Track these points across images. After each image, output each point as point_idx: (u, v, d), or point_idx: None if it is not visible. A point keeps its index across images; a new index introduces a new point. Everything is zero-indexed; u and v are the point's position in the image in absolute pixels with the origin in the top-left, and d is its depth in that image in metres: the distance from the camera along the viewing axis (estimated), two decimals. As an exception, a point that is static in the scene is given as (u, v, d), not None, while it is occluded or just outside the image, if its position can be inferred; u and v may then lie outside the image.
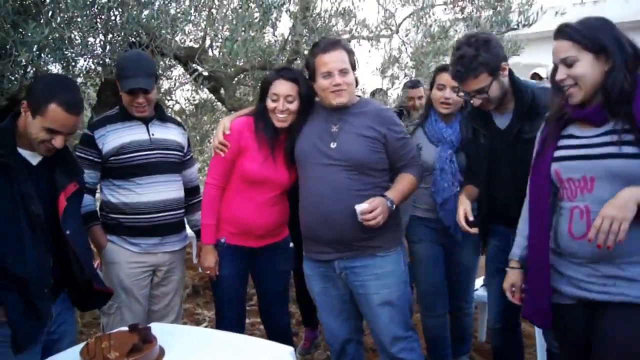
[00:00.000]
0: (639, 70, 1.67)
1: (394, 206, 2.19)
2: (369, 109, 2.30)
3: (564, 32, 1.71)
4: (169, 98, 4.21)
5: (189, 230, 2.77)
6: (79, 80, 3.36)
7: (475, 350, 3.29)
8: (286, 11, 3.60)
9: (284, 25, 3.61)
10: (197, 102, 4.59)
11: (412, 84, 3.90)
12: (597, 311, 1.72)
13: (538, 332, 2.84)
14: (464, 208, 2.27)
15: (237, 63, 3.39)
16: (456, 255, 2.74)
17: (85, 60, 3.12)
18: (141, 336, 1.71)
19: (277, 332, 2.64)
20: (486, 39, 2.16)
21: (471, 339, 3.00)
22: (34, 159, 1.90)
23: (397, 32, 4.02)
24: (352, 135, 2.24)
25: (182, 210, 2.61)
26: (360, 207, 2.11)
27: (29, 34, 2.37)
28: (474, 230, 2.26)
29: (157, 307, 2.62)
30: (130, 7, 2.85)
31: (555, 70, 1.75)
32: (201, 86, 3.74)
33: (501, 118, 2.28)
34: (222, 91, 3.92)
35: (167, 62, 3.52)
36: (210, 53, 3.50)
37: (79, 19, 2.72)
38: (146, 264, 2.50)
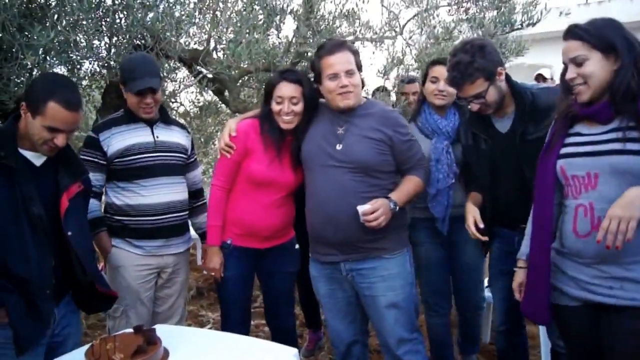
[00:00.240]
0: None
1: (397, 207, 2.19)
2: (375, 111, 2.30)
3: (573, 32, 1.73)
4: (173, 100, 4.23)
5: (192, 232, 2.78)
6: (84, 82, 3.38)
7: (480, 352, 3.28)
8: (290, 13, 3.61)
9: (288, 27, 3.61)
10: (201, 104, 4.61)
11: (408, 80, 3.84)
12: (605, 314, 1.72)
13: (542, 333, 2.84)
14: (473, 215, 2.26)
15: (242, 65, 3.40)
16: (459, 255, 2.73)
17: (90, 63, 3.14)
18: (146, 338, 1.72)
19: (282, 334, 2.64)
20: (481, 44, 2.18)
21: (479, 340, 2.98)
22: (38, 160, 1.90)
23: (401, 33, 4.02)
24: (358, 137, 2.24)
25: (186, 212, 2.62)
26: (362, 208, 2.11)
27: (35, 37, 2.39)
28: (485, 237, 2.25)
29: (161, 309, 2.63)
30: (135, 9, 2.87)
31: (565, 70, 1.76)
32: (205, 88, 3.75)
33: (501, 122, 2.29)
34: (226, 93, 3.92)
35: (171, 64, 3.53)
36: (214, 55, 3.51)
37: (84, 22, 2.74)
38: (151, 266, 2.51)
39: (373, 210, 2.11)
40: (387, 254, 2.26)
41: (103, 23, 2.94)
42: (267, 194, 2.44)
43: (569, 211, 1.76)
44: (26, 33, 2.52)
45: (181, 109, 4.61)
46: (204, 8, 3.48)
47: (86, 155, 2.40)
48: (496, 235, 2.37)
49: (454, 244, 2.68)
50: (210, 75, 3.48)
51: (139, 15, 2.87)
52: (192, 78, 3.65)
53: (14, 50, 2.48)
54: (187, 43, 3.67)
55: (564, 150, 1.78)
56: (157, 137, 2.50)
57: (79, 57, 2.90)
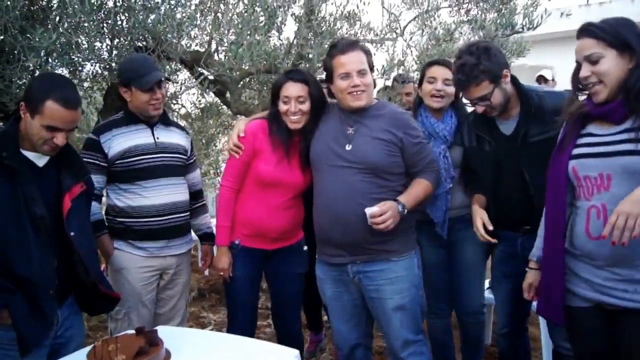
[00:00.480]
0: None
1: (406, 211, 2.17)
2: (386, 112, 2.28)
3: (587, 30, 1.70)
4: (174, 102, 4.23)
5: (193, 234, 2.78)
6: (86, 84, 3.39)
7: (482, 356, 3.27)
8: (291, 15, 3.62)
9: (289, 28, 3.62)
10: (202, 105, 4.61)
11: (402, 80, 3.80)
12: (620, 316, 1.70)
13: (544, 335, 2.83)
14: (481, 217, 2.25)
15: (243, 67, 3.41)
16: (458, 256, 2.71)
17: (92, 65, 3.15)
18: (148, 339, 1.72)
19: (288, 336, 2.64)
20: (487, 46, 2.17)
21: (482, 346, 2.95)
22: (40, 161, 1.91)
23: (402, 35, 4.03)
24: (368, 137, 2.22)
25: (188, 213, 2.63)
26: (369, 211, 2.10)
27: (37, 39, 2.39)
28: (494, 240, 2.23)
29: (162, 311, 2.63)
30: (136, 11, 2.88)
31: (577, 68, 1.74)
32: (207, 90, 3.76)
33: (506, 124, 2.28)
34: (227, 95, 3.93)
35: (173, 66, 3.53)
36: (216, 57, 3.52)
37: (85, 24, 2.74)
38: (154, 268, 2.51)
39: (381, 213, 2.09)
40: (395, 257, 2.24)
41: (105, 25, 2.95)
42: (275, 195, 2.44)
43: (581, 212, 1.75)
44: (28, 35, 2.53)
45: (182, 111, 4.62)
46: (205, 10, 3.49)
47: (87, 157, 2.40)
48: (499, 237, 2.36)
49: (452, 244, 2.66)
50: (211, 77, 3.49)
51: (141, 17, 2.88)
52: (194, 80, 3.65)
53: (15, 52, 2.49)
54: (188, 45, 3.67)
55: (576, 151, 1.77)
56: (158, 138, 2.51)
57: (80, 59, 2.91)
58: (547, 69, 6.09)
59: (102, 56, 3.02)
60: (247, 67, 3.47)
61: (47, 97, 1.79)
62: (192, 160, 2.73)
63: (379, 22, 3.98)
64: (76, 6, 2.59)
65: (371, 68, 2.28)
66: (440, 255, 2.69)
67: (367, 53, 2.29)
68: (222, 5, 3.42)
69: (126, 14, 2.95)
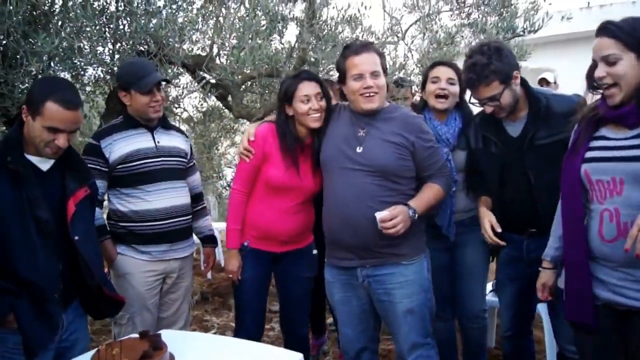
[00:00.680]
0: None
1: (417, 216, 2.14)
2: (398, 115, 2.26)
3: (607, 29, 1.66)
4: (176, 106, 4.24)
5: (195, 237, 2.78)
6: (88, 88, 3.41)
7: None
8: (293, 19, 3.63)
9: (291, 32, 3.64)
10: (204, 109, 4.63)
11: (399, 83, 3.72)
12: (631, 317, 1.69)
13: (548, 337, 2.82)
14: (489, 220, 2.22)
15: (245, 71, 3.42)
16: (462, 259, 2.70)
17: (94, 69, 3.17)
18: (152, 343, 1.72)
19: (295, 340, 2.63)
20: (498, 47, 2.15)
21: (485, 351, 2.93)
22: (44, 165, 1.91)
23: (403, 38, 4.03)
24: (379, 140, 2.20)
25: (190, 216, 2.63)
26: (380, 215, 2.07)
27: (39, 44, 2.41)
28: (503, 242, 2.22)
29: (165, 314, 2.63)
30: (138, 16, 2.89)
31: (593, 67, 1.71)
32: (209, 94, 3.77)
33: (513, 126, 2.27)
34: (229, 98, 3.94)
35: (175, 70, 3.55)
36: (217, 61, 3.53)
37: (88, 29, 2.76)
38: (157, 272, 2.51)
39: (391, 217, 2.07)
40: (405, 260, 2.22)
41: (107, 29, 2.97)
42: (284, 200, 2.43)
43: (594, 215, 1.74)
44: (31, 40, 2.54)
45: (185, 115, 4.64)
46: (207, 14, 3.50)
47: (88, 162, 2.36)
48: (505, 240, 2.34)
49: (454, 248, 2.66)
50: (213, 81, 3.49)
51: (143, 21, 2.89)
52: (196, 84, 3.66)
53: (18, 57, 2.50)
54: (190, 49, 3.69)
55: (588, 154, 1.75)
56: (158, 142, 2.51)
57: (82, 64, 2.92)
58: (549, 71, 6.09)
59: (105, 60, 3.03)
60: (248, 71, 3.48)
61: (47, 98, 1.80)
62: (192, 164, 2.73)
63: (380, 25, 3.99)
64: (78, 11, 2.60)
65: (384, 70, 2.26)
66: (445, 258, 2.68)
67: (381, 55, 2.27)
68: (223, 10, 3.43)
69: (128, 19, 2.96)
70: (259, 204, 2.46)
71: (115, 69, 3.04)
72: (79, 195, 1.95)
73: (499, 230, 2.19)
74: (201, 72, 3.32)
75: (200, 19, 3.42)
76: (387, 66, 2.45)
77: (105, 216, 2.57)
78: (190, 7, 3.28)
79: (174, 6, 3.08)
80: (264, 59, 3.16)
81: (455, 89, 2.54)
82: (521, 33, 3.87)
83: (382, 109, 2.26)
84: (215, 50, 3.51)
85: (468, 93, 2.40)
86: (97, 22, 2.80)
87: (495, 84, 2.12)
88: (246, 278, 2.49)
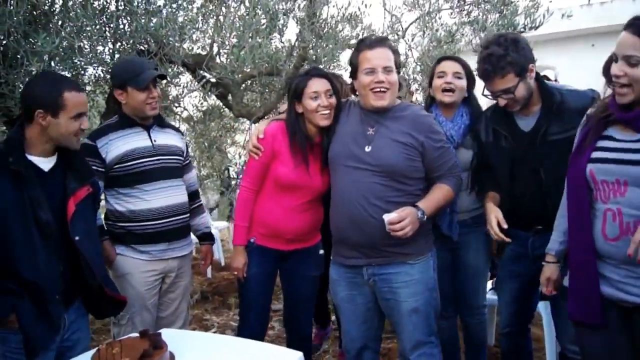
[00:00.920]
0: None
1: (425, 217, 2.12)
2: (408, 114, 2.23)
3: (637, 25, 1.60)
4: (177, 105, 4.25)
5: (193, 237, 2.78)
6: (88, 88, 3.41)
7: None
8: (293, 17, 3.63)
9: (291, 31, 3.63)
10: (205, 108, 4.63)
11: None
12: (635, 314, 1.70)
13: (547, 335, 2.83)
14: (496, 216, 2.19)
15: (245, 69, 3.42)
16: (463, 260, 2.70)
17: (94, 69, 3.17)
18: (152, 342, 1.72)
19: (298, 339, 2.64)
20: (515, 38, 2.12)
21: (485, 347, 2.94)
22: (46, 166, 1.92)
23: (404, 36, 4.04)
24: (388, 140, 2.17)
25: (188, 215, 2.63)
26: (388, 217, 2.04)
27: (40, 44, 2.41)
28: (508, 239, 2.19)
29: (164, 314, 2.63)
30: (138, 15, 2.89)
31: (611, 60, 1.68)
32: (209, 93, 3.78)
33: (525, 120, 2.24)
34: (229, 97, 3.95)
35: (175, 69, 3.55)
36: (217, 60, 3.53)
37: (88, 28, 2.76)
38: (157, 272, 2.51)
39: (399, 220, 2.04)
40: (411, 260, 2.21)
41: (107, 29, 2.96)
42: (292, 198, 2.43)
43: (598, 214, 1.74)
44: (31, 40, 2.54)
45: (185, 114, 4.64)
46: (207, 13, 3.50)
47: None
48: (511, 237, 2.30)
49: (458, 247, 2.65)
50: (213, 80, 3.50)
51: (143, 20, 2.89)
52: (196, 83, 3.66)
53: (19, 56, 2.50)
54: (190, 48, 3.69)
55: (594, 155, 1.75)
56: (155, 140, 2.50)
57: (83, 63, 2.92)
58: (549, 69, 6.10)
59: (105, 60, 3.03)
60: (249, 70, 3.48)
61: (61, 91, 1.84)
62: (187, 161, 2.73)
63: (380, 24, 4.02)
64: (79, 10, 2.60)
65: (398, 68, 2.23)
66: (447, 256, 2.67)
67: (395, 52, 2.24)
68: (223, 9, 3.43)
69: (128, 18, 2.96)
70: (268, 201, 2.46)
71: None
72: (79, 195, 1.95)
73: (505, 226, 2.16)
74: (201, 71, 3.32)
75: (200, 18, 3.42)
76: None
77: (102, 216, 2.57)
78: (190, 6, 3.28)
79: (174, 5, 3.08)
80: (264, 57, 3.16)
81: (462, 83, 2.51)
82: (522, 30, 3.86)
83: (393, 106, 2.23)
84: (215, 49, 3.51)
85: (478, 87, 2.37)
86: (97, 22, 2.80)
87: (510, 76, 2.09)
88: (251, 275, 2.49)
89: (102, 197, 2.52)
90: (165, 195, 2.48)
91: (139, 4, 2.94)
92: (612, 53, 1.67)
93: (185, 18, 3.17)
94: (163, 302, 2.61)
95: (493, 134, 2.33)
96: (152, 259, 2.48)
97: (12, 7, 2.36)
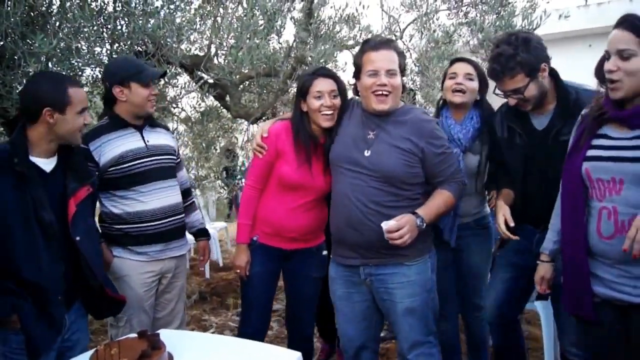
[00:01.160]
0: None
1: (425, 225, 2.11)
2: (410, 118, 2.19)
3: (628, 22, 1.62)
4: (174, 106, 4.24)
5: (188, 235, 2.76)
6: (86, 89, 3.40)
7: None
8: (290, 18, 3.63)
9: (289, 32, 3.63)
10: (202, 109, 4.62)
11: None
12: (630, 313, 1.70)
13: (546, 335, 2.83)
14: (504, 214, 2.18)
15: (243, 70, 3.43)
16: (465, 262, 2.71)
17: (92, 70, 3.17)
18: (150, 342, 1.72)
19: (300, 339, 2.63)
20: (527, 37, 2.09)
21: (487, 347, 2.94)
22: (48, 166, 1.93)
23: (401, 37, 4.04)
24: (387, 145, 2.15)
25: (183, 215, 2.62)
26: (386, 225, 2.03)
27: (37, 45, 2.40)
28: (516, 237, 2.17)
29: (161, 315, 2.62)
30: (136, 16, 2.89)
31: (604, 58, 1.69)
32: (207, 94, 3.78)
33: (539, 118, 2.22)
34: (227, 98, 3.95)
35: (173, 70, 3.55)
36: (215, 61, 3.53)
37: (85, 29, 2.76)
38: (154, 272, 2.50)
39: (398, 228, 2.02)
40: (408, 261, 2.20)
41: (104, 30, 2.97)
42: (296, 197, 2.43)
43: (593, 212, 1.74)
44: (28, 41, 2.54)
45: (183, 115, 4.63)
46: (205, 14, 3.51)
47: None
48: (518, 231, 2.25)
49: (458, 251, 2.65)
50: (211, 81, 3.50)
51: (140, 22, 2.89)
52: (194, 84, 3.67)
53: (16, 57, 2.50)
54: (188, 49, 3.69)
55: (590, 153, 1.76)
56: (148, 141, 2.48)
57: (80, 64, 2.92)
58: (546, 70, 6.08)
59: (102, 61, 3.03)
60: (246, 71, 3.48)
61: (65, 88, 1.88)
62: (179, 160, 2.73)
63: (378, 25, 3.99)
64: (76, 11, 2.60)
65: (402, 70, 2.20)
66: (447, 257, 2.66)
67: (401, 54, 2.21)
68: (221, 10, 3.44)
69: (126, 19, 2.96)
70: (272, 200, 2.47)
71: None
72: (80, 195, 1.96)
73: (512, 224, 2.15)
74: (199, 72, 3.33)
75: (198, 19, 3.42)
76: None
77: (96, 219, 2.56)
78: (188, 7, 3.29)
79: (172, 6, 3.08)
80: (262, 58, 3.17)
81: (474, 84, 2.49)
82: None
83: (395, 110, 2.21)
84: (213, 50, 3.51)
85: (491, 86, 2.35)
86: (94, 23, 2.80)
87: (520, 77, 2.07)
88: (254, 273, 2.49)
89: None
90: (161, 196, 2.47)
91: (137, 5, 2.94)
92: (605, 51, 1.68)
93: (183, 19, 3.17)
94: (160, 302, 2.60)
95: (507, 130, 2.31)
96: (149, 259, 2.48)
97: (9, 8, 2.36)
